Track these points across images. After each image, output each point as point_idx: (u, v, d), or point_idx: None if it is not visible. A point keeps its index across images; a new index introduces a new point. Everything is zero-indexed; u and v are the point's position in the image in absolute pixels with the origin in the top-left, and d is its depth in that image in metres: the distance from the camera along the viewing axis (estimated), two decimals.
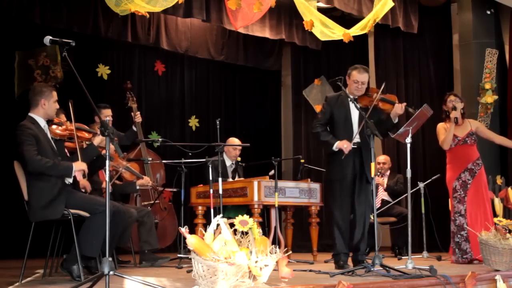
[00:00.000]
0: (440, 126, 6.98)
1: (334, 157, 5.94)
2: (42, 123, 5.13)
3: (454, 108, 6.88)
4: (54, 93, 5.18)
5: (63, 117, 5.60)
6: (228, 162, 7.98)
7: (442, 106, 7.02)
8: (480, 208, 6.83)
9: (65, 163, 5.04)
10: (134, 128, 7.55)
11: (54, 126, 5.29)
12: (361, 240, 5.99)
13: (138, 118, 7.58)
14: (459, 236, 6.71)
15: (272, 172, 7.23)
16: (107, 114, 7.09)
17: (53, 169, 4.94)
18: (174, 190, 8.03)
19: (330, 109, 6.06)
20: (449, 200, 6.99)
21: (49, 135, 5.16)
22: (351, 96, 5.99)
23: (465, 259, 6.65)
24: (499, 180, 8.35)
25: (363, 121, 5.70)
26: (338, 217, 5.98)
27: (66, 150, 5.47)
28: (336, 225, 6.00)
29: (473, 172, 6.84)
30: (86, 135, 5.45)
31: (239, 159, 7.89)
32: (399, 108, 5.91)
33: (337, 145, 5.86)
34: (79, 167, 5.07)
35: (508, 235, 5.57)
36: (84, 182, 5.74)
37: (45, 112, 5.12)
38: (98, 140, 5.35)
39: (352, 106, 5.99)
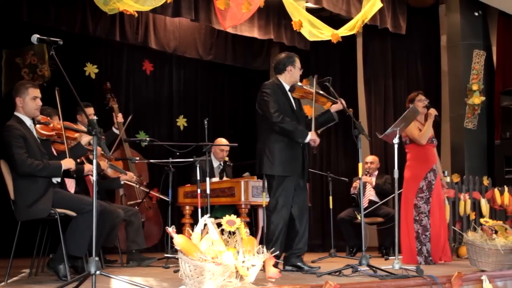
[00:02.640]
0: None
1: (285, 151, 5.70)
2: (28, 122, 5.09)
3: (428, 107, 6.91)
4: (31, 90, 5.10)
5: (56, 118, 5.54)
6: (215, 163, 7.97)
7: (409, 104, 6.84)
8: (440, 209, 6.88)
9: (54, 163, 5.02)
10: (114, 130, 7.50)
11: (39, 126, 5.24)
12: (301, 240, 5.77)
13: (119, 118, 7.56)
14: (423, 237, 6.67)
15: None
16: (89, 113, 7.07)
17: (44, 171, 4.92)
18: (165, 198, 7.93)
19: (275, 97, 5.75)
20: (405, 196, 6.81)
21: (35, 134, 5.13)
22: (288, 86, 5.85)
23: (429, 261, 6.60)
24: (485, 181, 8.40)
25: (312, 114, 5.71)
26: (283, 215, 5.66)
27: (53, 149, 5.44)
28: (280, 225, 5.64)
29: (435, 173, 6.84)
30: (74, 134, 5.43)
31: (226, 159, 7.88)
32: (341, 105, 5.83)
33: (311, 137, 5.70)
34: (68, 165, 5.05)
35: (494, 235, 5.59)
36: (88, 167, 5.69)
37: (24, 110, 5.08)
38: (86, 139, 5.32)
39: (290, 96, 5.86)
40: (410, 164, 6.87)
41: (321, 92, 5.94)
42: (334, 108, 5.88)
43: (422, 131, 6.76)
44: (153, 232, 8.40)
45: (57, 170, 5.00)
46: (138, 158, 7.78)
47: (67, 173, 5.30)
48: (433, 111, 6.83)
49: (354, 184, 8.75)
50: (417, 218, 6.70)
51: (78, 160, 5.23)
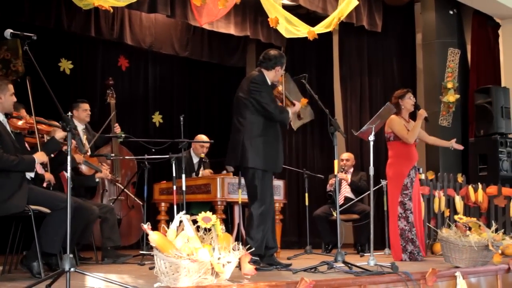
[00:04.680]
0: (396, 119, 6.85)
1: (269, 147, 5.62)
2: (1, 117, 5.05)
3: (418, 107, 6.98)
4: (10, 86, 5.09)
5: (23, 112, 5.51)
6: (195, 159, 7.98)
7: (398, 100, 6.91)
8: (419, 206, 6.97)
9: (27, 157, 4.96)
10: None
11: (13, 119, 5.21)
12: (274, 237, 5.78)
13: (117, 129, 7.61)
14: (410, 233, 6.73)
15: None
16: (85, 108, 7.11)
17: (18, 166, 4.86)
18: (139, 201, 7.90)
19: (267, 90, 5.69)
20: (391, 194, 6.87)
21: (8, 129, 5.08)
22: (270, 82, 5.80)
23: (419, 257, 6.65)
24: (460, 178, 8.46)
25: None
26: (270, 211, 5.64)
27: (26, 144, 5.39)
28: (266, 220, 5.56)
29: (415, 170, 6.91)
30: (46, 128, 5.39)
31: (202, 155, 7.87)
32: (298, 107, 5.97)
33: (290, 114, 5.79)
34: (41, 158, 5.00)
35: (468, 232, 5.64)
36: (47, 176, 5.66)
37: (2, 106, 5.04)
38: (60, 134, 5.29)
39: None
40: (393, 161, 6.91)
41: (287, 94, 5.99)
42: (292, 110, 5.89)
43: (411, 131, 6.81)
44: (134, 231, 8.35)
45: (30, 164, 4.94)
46: (113, 154, 7.73)
47: (40, 180, 5.29)
48: (423, 112, 6.90)
49: (330, 182, 8.78)
50: (404, 215, 6.74)
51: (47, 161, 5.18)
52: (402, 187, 6.77)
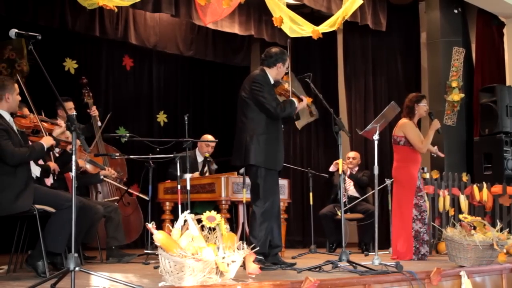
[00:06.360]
0: (411, 124, 6.88)
1: (272, 144, 5.63)
2: (7, 116, 5.07)
3: (431, 116, 7.00)
4: (16, 86, 5.14)
5: (26, 111, 5.55)
6: (199, 158, 7.99)
7: (414, 104, 6.95)
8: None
9: (36, 144, 5.04)
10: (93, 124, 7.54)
11: (18, 118, 5.26)
12: (280, 236, 5.81)
13: (93, 112, 7.53)
14: (425, 235, 6.70)
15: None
16: (69, 107, 7.05)
17: (32, 155, 4.95)
18: (144, 197, 7.85)
19: (268, 89, 5.68)
20: (405, 197, 6.85)
21: (15, 128, 5.11)
22: (272, 80, 5.80)
23: (425, 257, 6.68)
24: (464, 178, 8.44)
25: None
26: (274, 209, 5.66)
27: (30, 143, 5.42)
28: (268, 219, 5.58)
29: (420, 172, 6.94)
30: (49, 126, 5.43)
31: (207, 155, 7.87)
32: (305, 103, 5.91)
33: (297, 104, 5.71)
34: (49, 142, 5.06)
35: (473, 231, 5.64)
36: (52, 164, 5.68)
37: (9, 106, 5.07)
38: (58, 131, 5.33)
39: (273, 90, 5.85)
40: (401, 165, 6.90)
41: (293, 89, 5.97)
42: (299, 106, 5.89)
43: (425, 141, 6.89)
44: (132, 228, 8.34)
45: (42, 151, 5.04)
46: (118, 154, 7.73)
47: (46, 172, 5.30)
48: (437, 123, 6.98)
49: (334, 162, 8.67)
50: (419, 217, 6.74)
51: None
52: (416, 189, 6.79)
